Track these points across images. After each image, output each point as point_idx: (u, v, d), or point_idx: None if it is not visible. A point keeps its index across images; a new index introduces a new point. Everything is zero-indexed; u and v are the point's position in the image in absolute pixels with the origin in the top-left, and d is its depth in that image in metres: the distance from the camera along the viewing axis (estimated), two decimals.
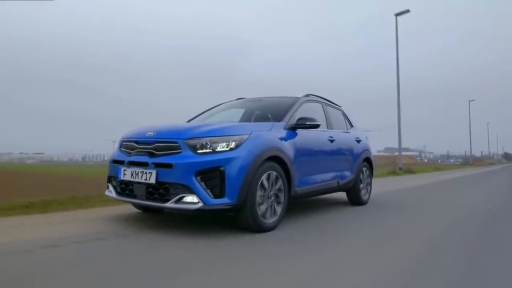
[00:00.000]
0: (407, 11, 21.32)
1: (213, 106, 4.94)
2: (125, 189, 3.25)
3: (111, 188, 3.45)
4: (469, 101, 47.04)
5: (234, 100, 5.05)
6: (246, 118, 4.54)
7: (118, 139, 3.65)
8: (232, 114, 4.75)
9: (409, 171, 18.19)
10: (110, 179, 3.48)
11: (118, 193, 3.34)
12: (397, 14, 22.09)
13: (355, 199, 5.14)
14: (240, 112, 4.76)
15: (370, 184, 5.57)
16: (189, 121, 4.60)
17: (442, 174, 18.75)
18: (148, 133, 3.24)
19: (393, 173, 16.38)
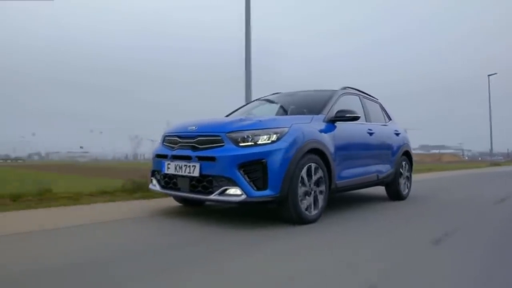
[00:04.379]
0: (495, 73, 28.41)
1: (249, 101, 4.97)
2: (169, 182, 3.33)
3: (155, 181, 3.55)
4: None
5: (270, 95, 5.05)
6: (282, 112, 4.52)
7: (157, 138, 3.76)
8: (268, 108, 4.75)
9: (496, 164, 29.43)
10: (153, 173, 3.58)
11: (162, 186, 3.43)
12: (490, 75, 28.04)
13: (394, 194, 5.01)
14: (276, 107, 4.75)
15: (410, 178, 5.41)
16: (227, 116, 4.65)
17: None
18: (190, 128, 3.31)
19: (491, 165, 27.06)
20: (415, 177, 11.95)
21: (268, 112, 4.62)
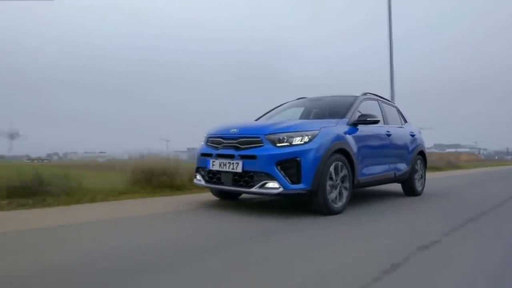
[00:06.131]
0: None
1: (276, 106, 5.45)
2: (213, 177, 3.85)
3: (199, 177, 4.08)
4: None
5: (295, 99, 5.52)
6: (305, 116, 4.98)
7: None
8: (293, 112, 5.22)
9: None
10: (198, 170, 4.11)
11: (206, 181, 3.95)
12: None
13: (409, 190, 5.45)
14: (300, 110, 5.22)
15: (424, 176, 5.82)
16: (257, 119, 5.14)
17: None
18: (232, 130, 3.83)
19: None
20: (457, 172, 12.68)
21: (294, 116, 5.08)
